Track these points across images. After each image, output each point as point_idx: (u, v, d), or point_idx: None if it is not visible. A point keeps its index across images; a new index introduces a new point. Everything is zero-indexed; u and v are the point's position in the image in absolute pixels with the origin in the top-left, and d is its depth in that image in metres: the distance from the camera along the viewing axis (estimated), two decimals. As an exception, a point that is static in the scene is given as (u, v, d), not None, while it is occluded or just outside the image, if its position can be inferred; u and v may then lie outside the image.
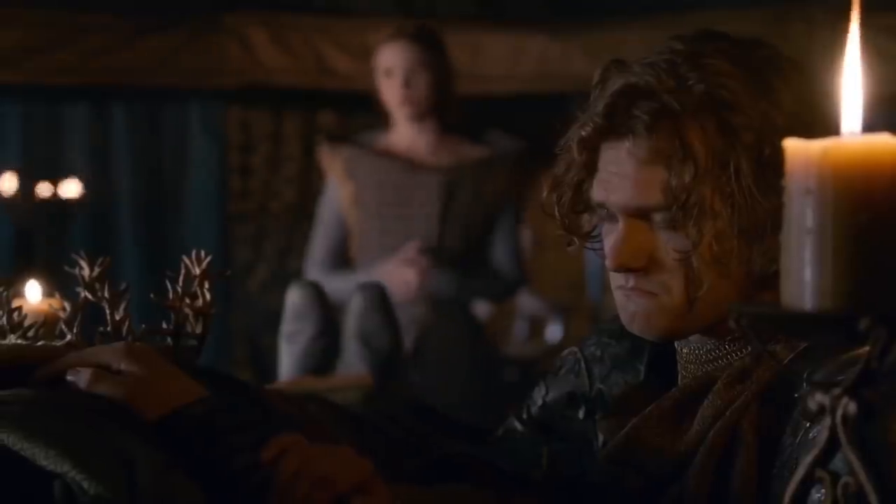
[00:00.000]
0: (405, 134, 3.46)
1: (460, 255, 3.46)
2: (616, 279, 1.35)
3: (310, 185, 5.04)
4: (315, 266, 3.55)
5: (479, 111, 4.63)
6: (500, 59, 4.73)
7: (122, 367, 1.30)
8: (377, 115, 3.56)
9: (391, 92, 3.39)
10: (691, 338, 1.37)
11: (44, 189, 4.61)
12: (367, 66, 3.57)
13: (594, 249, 1.40)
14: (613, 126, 1.31)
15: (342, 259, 3.54)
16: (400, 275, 3.34)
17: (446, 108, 3.44)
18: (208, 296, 1.40)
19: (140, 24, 4.64)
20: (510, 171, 3.49)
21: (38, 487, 1.17)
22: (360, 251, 3.50)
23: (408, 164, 3.46)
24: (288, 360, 2.45)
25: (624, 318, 1.36)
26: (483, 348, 3.57)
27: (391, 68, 3.38)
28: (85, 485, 1.16)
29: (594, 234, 1.40)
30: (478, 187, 3.47)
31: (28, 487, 1.18)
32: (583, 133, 1.33)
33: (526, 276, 3.64)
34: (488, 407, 3.34)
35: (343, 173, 3.51)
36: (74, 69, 4.60)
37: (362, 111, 4.36)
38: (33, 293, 1.81)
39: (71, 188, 4.66)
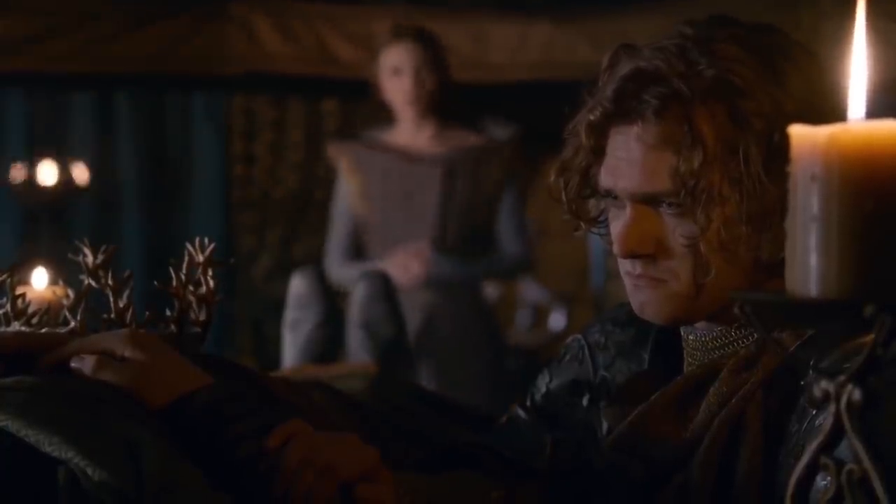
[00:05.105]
0: (408, 128, 3.63)
1: (463, 240, 3.61)
2: (623, 265, 1.35)
3: (313, 173, 5.04)
4: (331, 257, 3.75)
5: (484, 99, 4.62)
6: (505, 47, 4.72)
7: (127, 354, 1.30)
8: (380, 103, 3.68)
9: (399, 90, 3.56)
10: (697, 325, 1.36)
11: (48, 176, 4.61)
12: (371, 55, 3.70)
13: (600, 235, 1.40)
14: (622, 110, 1.30)
15: (356, 250, 3.71)
16: (404, 264, 3.50)
17: (446, 102, 3.60)
18: (212, 283, 1.40)
19: (144, 11, 4.63)
20: (506, 156, 3.65)
21: (43, 474, 1.17)
22: (371, 242, 3.68)
23: (410, 156, 3.63)
24: (291, 349, 2.46)
25: (634, 306, 1.35)
26: (490, 333, 3.71)
27: (400, 68, 3.54)
28: (89, 471, 1.16)
29: (601, 219, 1.39)
30: (475, 174, 3.61)
31: (32, 474, 1.18)
32: (591, 117, 1.32)
33: (532, 253, 3.79)
34: (495, 391, 3.43)
35: (350, 169, 3.69)
36: (78, 57, 4.59)
37: (365, 99, 4.36)
38: (39, 280, 1.81)
39: (75, 176, 4.66)
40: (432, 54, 3.57)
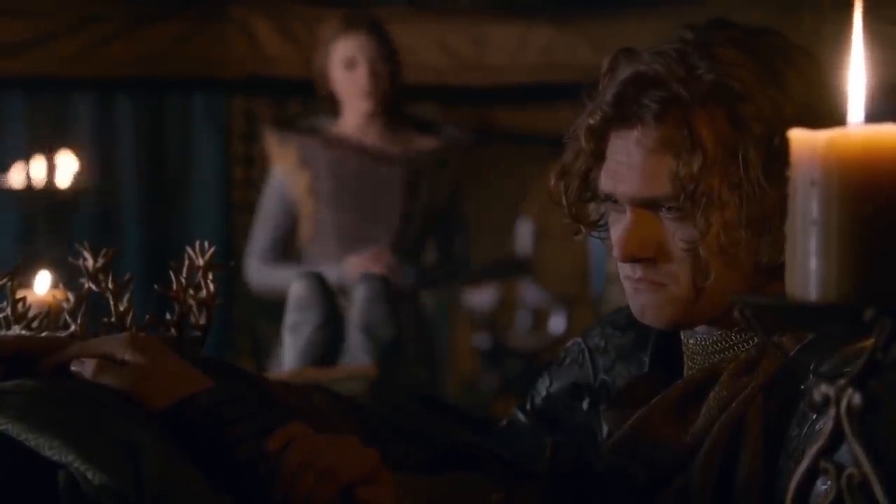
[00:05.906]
0: (357, 124, 3.44)
1: (421, 245, 3.47)
2: (623, 269, 1.35)
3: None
4: (256, 256, 3.51)
5: (484, 101, 4.62)
6: (504, 49, 4.72)
7: (127, 357, 1.30)
8: (327, 97, 3.48)
9: (353, 83, 3.38)
10: (697, 329, 1.36)
11: (48, 178, 4.61)
12: (320, 45, 3.51)
13: (601, 238, 1.40)
14: (622, 114, 1.30)
15: (286, 250, 3.50)
16: (363, 268, 3.21)
17: (397, 98, 3.45)
18: (212, 286, 1.40)
19: (144, 13, 4.64)
20: (460, 160, 3.51)
21: (43, 478, 1.17)
22: (313, 241, 3.47)
23: (366, 154, 3.44)
24: (291, 351, 2.45)
25: (634, 310, 1.36)
26: (426, 337, 3.55)
27: (355, 59, 3.38)
28: (89, 475, 1.16)
29: (601, 222, 1.40)
30: (435, 178, 3.47)
31: (32, 478, 1.18)
32: (591, 121, 1.32)
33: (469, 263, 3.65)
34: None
35: (297, 161, 3.47)
36: (78, 59, 4.60)
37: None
38: (42, 284, 1.81)
39: (75, 178, 4.67)
40: (386, 46, 3.40)
